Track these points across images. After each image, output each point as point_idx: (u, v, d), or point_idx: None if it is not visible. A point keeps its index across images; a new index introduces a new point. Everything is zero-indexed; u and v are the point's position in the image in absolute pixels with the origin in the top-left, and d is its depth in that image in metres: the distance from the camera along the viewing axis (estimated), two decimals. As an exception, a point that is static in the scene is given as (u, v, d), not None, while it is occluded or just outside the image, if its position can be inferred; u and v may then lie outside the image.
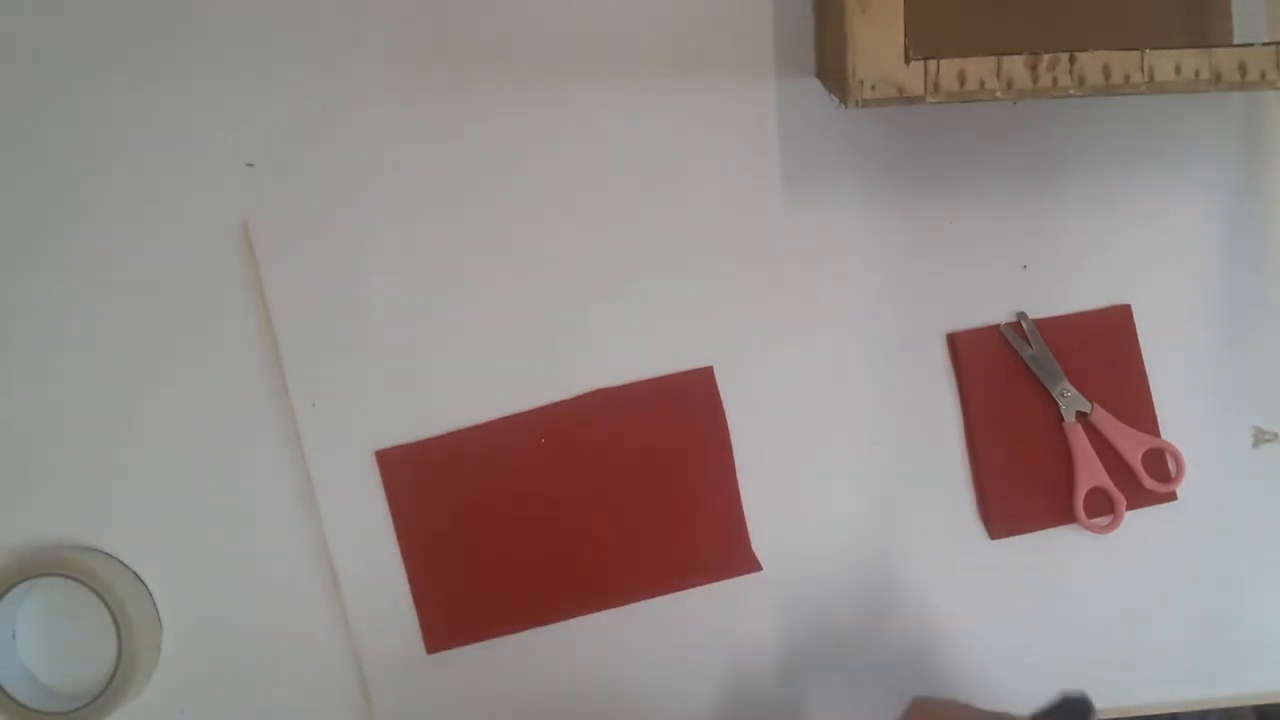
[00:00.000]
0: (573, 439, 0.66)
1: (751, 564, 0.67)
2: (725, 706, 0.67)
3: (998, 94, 0.53)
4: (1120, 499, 0.67)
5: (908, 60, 0.53)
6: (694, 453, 0.67)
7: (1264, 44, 0.53)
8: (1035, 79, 0.53)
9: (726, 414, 0.67)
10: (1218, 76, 0.53)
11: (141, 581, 0.66)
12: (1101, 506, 0.67)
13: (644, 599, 0.67)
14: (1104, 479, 0.67)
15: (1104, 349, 0.68)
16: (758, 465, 0.67)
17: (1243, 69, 0.53)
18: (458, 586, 0.66)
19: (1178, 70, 0.53)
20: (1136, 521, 0.67)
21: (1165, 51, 0.53)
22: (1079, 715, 0.50)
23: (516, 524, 0.66)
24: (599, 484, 0.67)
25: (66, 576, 0.62)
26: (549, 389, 0.66)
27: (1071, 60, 0.53)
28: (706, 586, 0.67)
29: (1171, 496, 0.68)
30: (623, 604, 0.67)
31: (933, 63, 0.53)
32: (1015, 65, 0.53)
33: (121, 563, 0.66)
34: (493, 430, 0.66)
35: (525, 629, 0.67)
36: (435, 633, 0.66)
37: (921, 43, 0.53)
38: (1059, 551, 0.67)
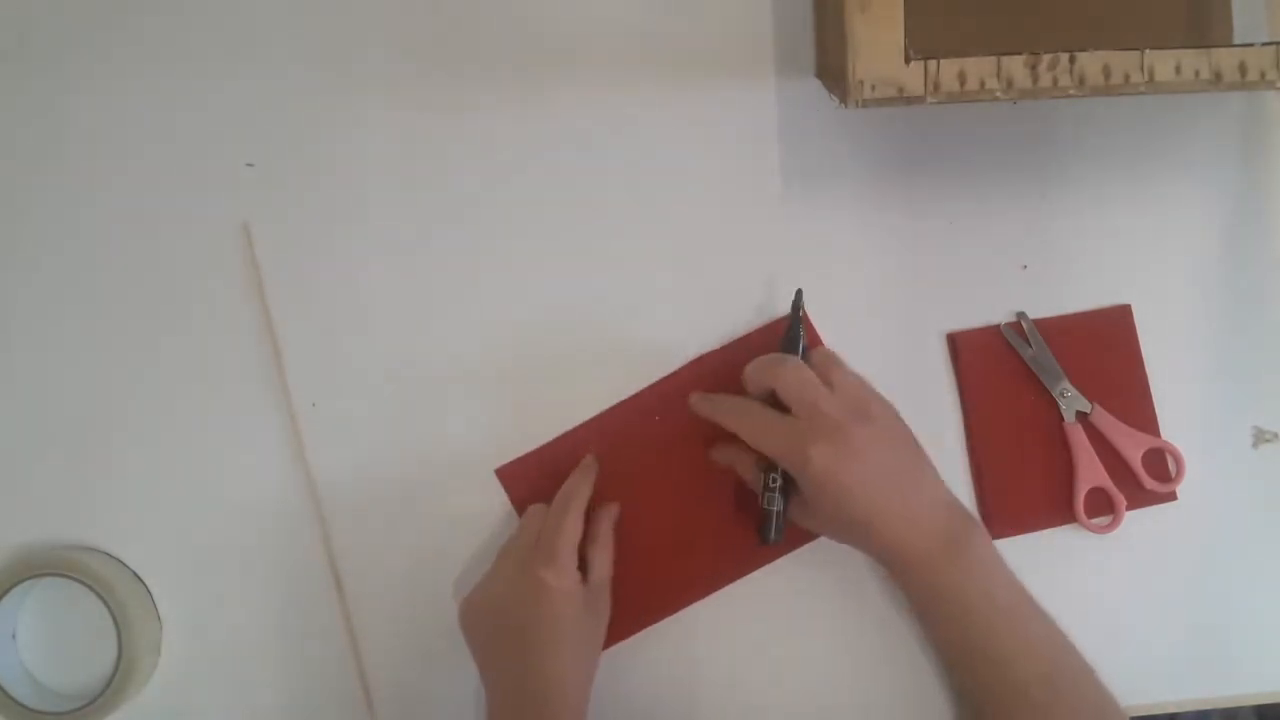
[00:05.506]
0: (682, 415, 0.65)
1: None
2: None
3: (998, 94, 0.53)
4: (1120, 499, 0.67)
5: (908, 60, 0.53)
6: None
7: (1264, 44, 0.53)
8: (1035, 79, 0.53)
9: None
10: (1218, 76, 0.53)
11: (141, 581, 0.66)
12: (1101, 506, 0.67)
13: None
14: (1104, 479, 0.67)
15: (1104, 349, 0.68)
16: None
17: (1243, 69, 0.53)
18: None
19: (1178, 70, 0.53)
20: (1136, 521, 0.67)
21: (1165, 51, 0.53)
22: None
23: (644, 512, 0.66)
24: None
25: (66, 576, 0.62)
26: (547, 388, 0.67)
27: (1071, 60, 0.53)
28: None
29: (1171, 496, 0.68)
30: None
31: (933, 63, 0.53)
32: (1015, 65, 0.53)
33: (121, 562, 0.66)
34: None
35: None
36: None
37: (921, 43, 0.53)
38: (1059, 551, 0.67)
